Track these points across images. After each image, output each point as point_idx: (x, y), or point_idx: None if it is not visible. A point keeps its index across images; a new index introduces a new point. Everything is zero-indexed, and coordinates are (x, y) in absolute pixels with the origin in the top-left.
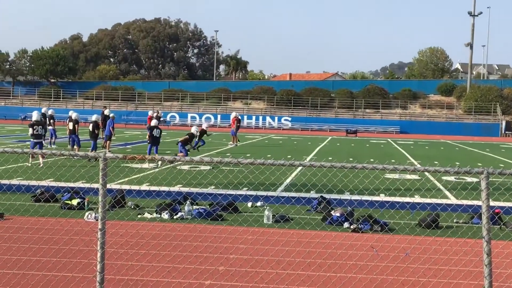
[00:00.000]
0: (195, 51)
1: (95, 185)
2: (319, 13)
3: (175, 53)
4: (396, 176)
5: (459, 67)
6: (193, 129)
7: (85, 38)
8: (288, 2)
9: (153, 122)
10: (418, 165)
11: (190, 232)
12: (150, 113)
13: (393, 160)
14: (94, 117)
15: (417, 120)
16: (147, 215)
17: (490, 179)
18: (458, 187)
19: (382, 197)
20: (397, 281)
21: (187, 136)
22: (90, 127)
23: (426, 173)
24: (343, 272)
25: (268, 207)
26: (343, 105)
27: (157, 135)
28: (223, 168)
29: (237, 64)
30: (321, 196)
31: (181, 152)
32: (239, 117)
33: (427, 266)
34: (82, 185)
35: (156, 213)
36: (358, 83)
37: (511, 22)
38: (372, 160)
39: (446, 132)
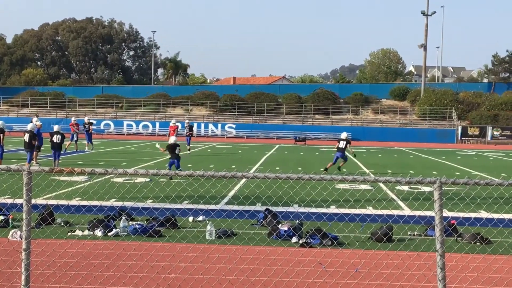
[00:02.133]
0: (131, 53)
1: (19, 201)
2: (265, 12)
3: (108, 56)
4: (345, 186)
5: (413, 70)
6: (345, 135)
7: (9, 40)
8: (231, 1)
9: (55, 128)
10: (370, 175)
11: (124, 250)
12: (73, 119)
13: (344, 170)
14: (29, 126)
15: (370, 126)
16: (78, 232)
17: (444, 188)
18: (410, 198)
19: (331, 209)
20: None
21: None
22: (26, 138)
23: (378, 183)
24: None
25: (209, 222)
26: (291, 110)
27: (57, 141)
28: (160, 180)
29: (177, 67)
30: (267, 209)
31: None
32: (191, 124)
33: (378, 282)
34: (4, 201)
35: (88, 230)
36: (306, 87)
37: (466, 23)
38: (322, 169)
39: (400, 138)
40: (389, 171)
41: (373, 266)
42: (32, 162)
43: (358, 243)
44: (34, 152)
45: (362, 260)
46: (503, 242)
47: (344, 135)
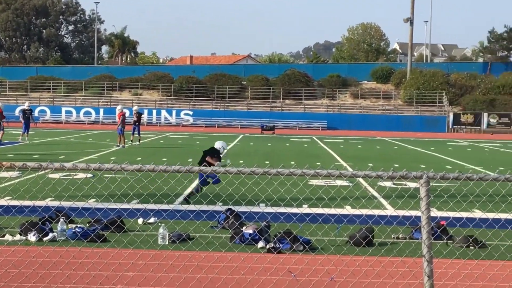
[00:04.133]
0: (70, 28)
1: None
2: None
3: (44, 31)
4: (319, 182)
5: (398, 48)
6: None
7: None
8: None
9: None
10: (349, 168)
11: (62, 257)
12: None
13: (318, 163)
14: None
15: (348, 113)
16: (7, 237)
17: (432, 184)
18: (394, 195)
19: (302, 209)
20: None
21: None
22: None
23: (356, 178)
24: None
25: (162, 224)
26: (257, 95)
27: None
28: (104, 176)
29: (124, 44)
30: (228, 209)
31: None
32: (140, 111)
33: None
34: None
35: (20, 235)
36: (275, 67)
37: None
38: (293, 163)
39: (382, 127)
40: (370, 164)
41: (350, 274)
42: None
43: (333, 247)
44: None
45: (338, 267)
46: (499, 245)
47: None
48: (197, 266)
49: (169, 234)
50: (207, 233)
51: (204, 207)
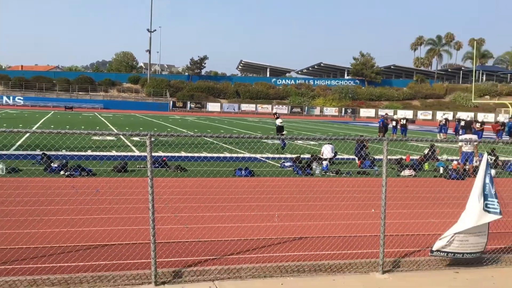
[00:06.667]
0: None
1: None
2: None
3: None
4: (100, 138)
5: (143, 65)
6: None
7: None
8: None
9: None
10: (115, 131)
11: None
12: None
13: (98, 127)
14: None
15: (116, 100)
16: None
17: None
18: (138, 144)
19: (89, 153)
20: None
21: None
22: None
23: (121, 137)
24: (49, 214)
25: (1, 162)
26: (63, 89)
27: None
28: None
29: None
30: (43, 153)
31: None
32: None
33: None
34: None
35: None
36: (73, 74)
37: (174, 36)
38: (83, 127)
39: (135, 108)
40: (127, 128)
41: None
42: None
43: (105, 173)
44: None
45: (101, 184)
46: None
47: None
48: (25, 185)
49: (7, 168)
50: (31, 167)
51: (29, 152)
